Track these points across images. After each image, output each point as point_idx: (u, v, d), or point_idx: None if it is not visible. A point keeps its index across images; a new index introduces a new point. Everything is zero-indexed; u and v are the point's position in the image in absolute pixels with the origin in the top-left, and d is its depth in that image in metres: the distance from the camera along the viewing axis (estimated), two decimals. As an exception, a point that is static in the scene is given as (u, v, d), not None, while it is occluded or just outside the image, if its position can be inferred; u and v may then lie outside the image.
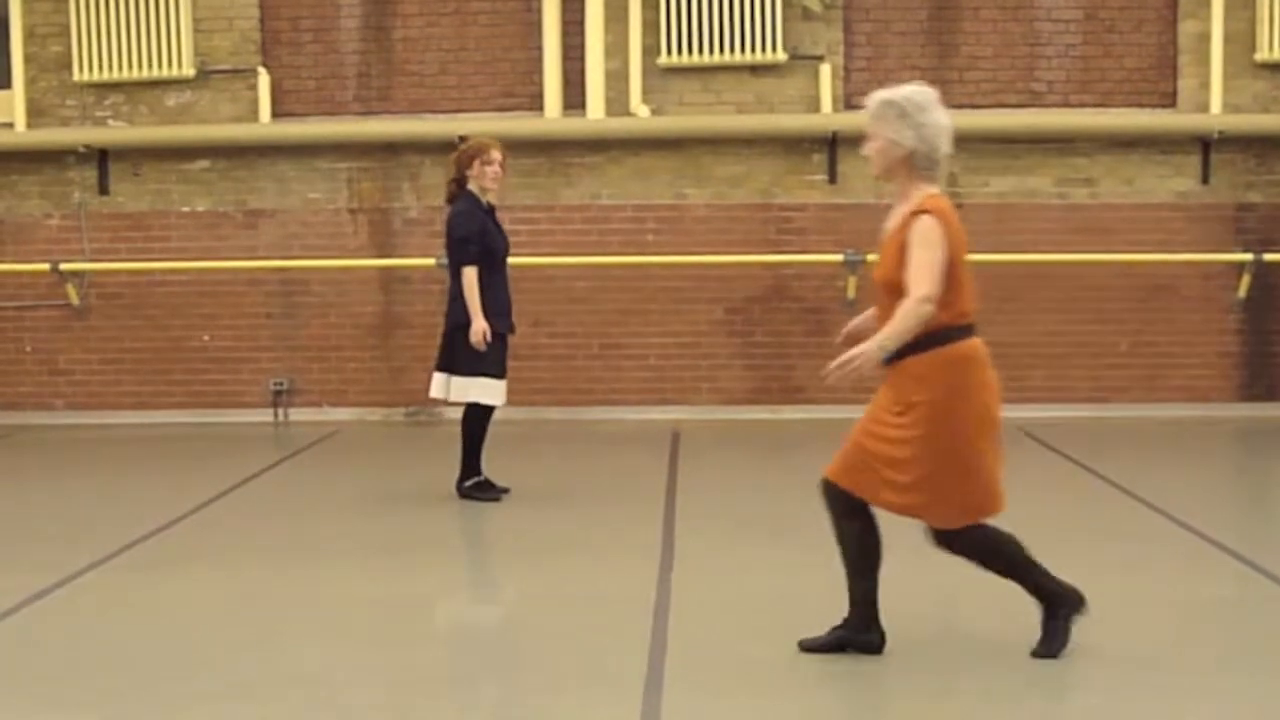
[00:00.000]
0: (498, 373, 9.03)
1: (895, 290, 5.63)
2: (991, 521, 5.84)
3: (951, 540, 5.86)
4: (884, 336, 5.56)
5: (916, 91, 5.79)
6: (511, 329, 9.21)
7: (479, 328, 8.80)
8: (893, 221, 5.81)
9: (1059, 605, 5.89)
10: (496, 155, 9.01)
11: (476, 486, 9.23)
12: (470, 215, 8.96)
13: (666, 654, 5.95)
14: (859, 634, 5.89)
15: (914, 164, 5.73)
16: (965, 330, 5.67)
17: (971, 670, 5.75)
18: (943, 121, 5.73)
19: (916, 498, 5.71)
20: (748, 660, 5.87)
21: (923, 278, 5.53)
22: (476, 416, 9.12)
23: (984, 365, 5.70)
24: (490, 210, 9.12)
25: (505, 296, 9.14)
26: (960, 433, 5.64)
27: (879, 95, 5.88)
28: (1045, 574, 5.91)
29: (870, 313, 6.08)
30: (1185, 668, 5.80)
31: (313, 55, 13.14)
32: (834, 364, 5.58)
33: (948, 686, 5.58)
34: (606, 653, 5.98)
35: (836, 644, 5.90)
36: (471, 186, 9.05)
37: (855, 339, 5.90)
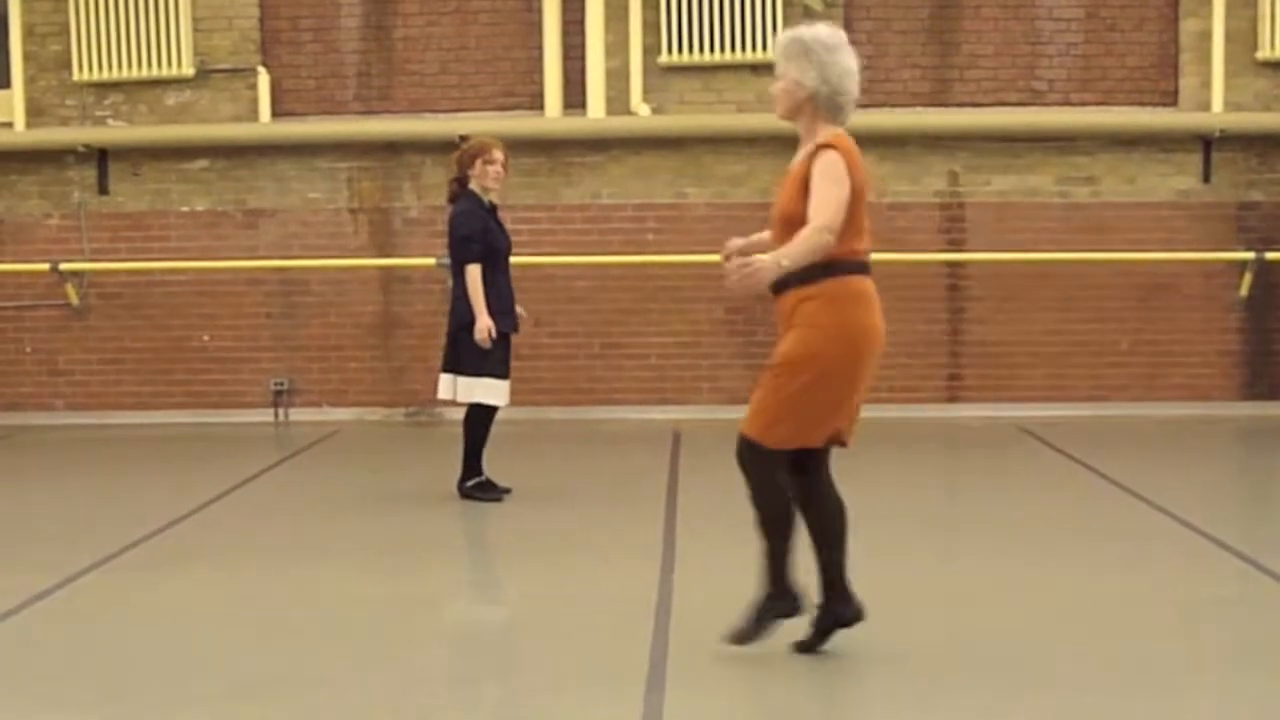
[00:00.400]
0: (502, 373, 9.01)
1: (793, 223, 5.58)
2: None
3: (740, 450, 5.82)
4: (782, 253, 5.49)
5: (825, 32, 5.74)
6: (515, 328, 9.18)
7: (483, 325, 8.77)
8: (796, 160, 5.76)
9: (776, 599, 5.83)
10: (498, 155, 8.99)
11: (478, 487, 9.22)
12: (472, 214, 8.94)
13: (668, 654, 5.93)
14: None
15: (818, 105, 5.69)
16: (856, 266, 5.65)
17: (973, 670, 5.73)
18: (848, 64, 5.68)
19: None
20: (749, 661, 5.84)
21: (825, 209, 5.49)
22: (479, 417, 9.10)
23: (868, 306, 5.66)
24: (492, 209, 9.10)
25: (508, 295, 9.12)
26: (816, 359, 5.59)
27: (787, 33, 5.84)
28: (787, 562, 5.83)
29: (762, 235, 6.09)
30: (1186, 666, 5.78)
31: (313, 54, 13.12)
32: (732, 264, 5.49)
33: (950, 685, 5.55)
34: (608, 653, 5.96)
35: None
36: (473, 186, 9.03)
37: (744, 255, 5.87)
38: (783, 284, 5.59)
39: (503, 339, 8.99)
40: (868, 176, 5.70)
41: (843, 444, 5.84)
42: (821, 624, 5.90)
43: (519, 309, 9.24)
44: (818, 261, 5.51)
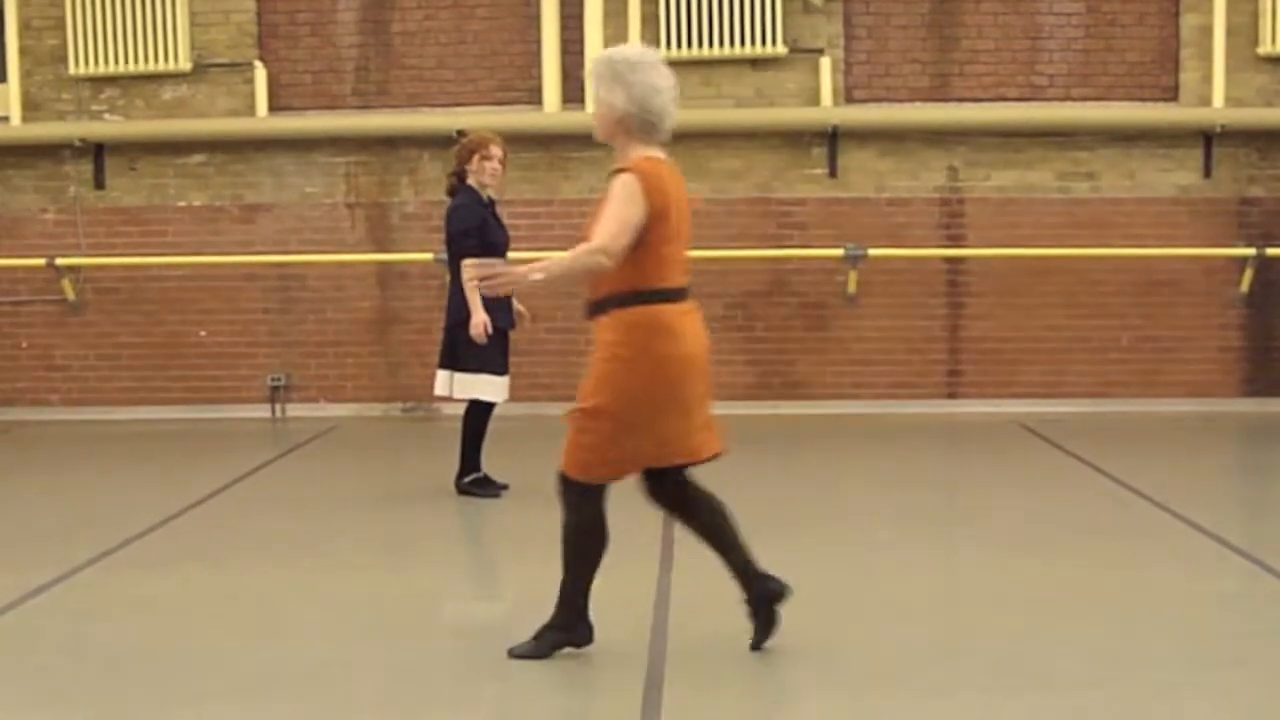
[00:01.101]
0: (499, 369, 8.98)
1: None
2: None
3: (558, 484, 5.80)
4: (539, 267, 5.55)
5: (634, 51, 5.71)
6: (513, 324, 9.14)
7: (478, 321, 8.72)
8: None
9: (564, 630, 5.84)
10: (496, 150, 8.95)
11: (476, 483, 9.18)
12: (469, 209, 8.90)
13: (666, 653, 5.91)
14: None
15: (630, 127, 5.62)
16: (656, 295, 5.55)
17: (972, 668, 5.71)
18: (657, 82, 5.59)
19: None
20: (748, 660, 5.82)
21: (604, 230, 5.46)
22: (477, 413, 9.07)
23: (670, 334, 5.56)
24: (490, 204, 9.06)
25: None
26: (619, 392, 5.56)
27: (598, 56, 5.84)
28: (585, 595, 5.83)
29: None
30: (1186, 665, 5.74)
31: (310, 49, 13.08)
32: (479, 262, 5.48)
33: (949, 684, 5.54)
34: (606, 651, 5.92)
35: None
36: (471, 181, 8.99)
37: None
38: (591, 312, 5.64)
39: (500, 335, 8.95)
40: (680, 200, 5.64)
41: (695, 462, 5.80)
42: (758, 614, 5.88)
43: (518, 306, 9.19)
44: (622, 291, 5.51)
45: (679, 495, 5.89)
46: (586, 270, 5.49)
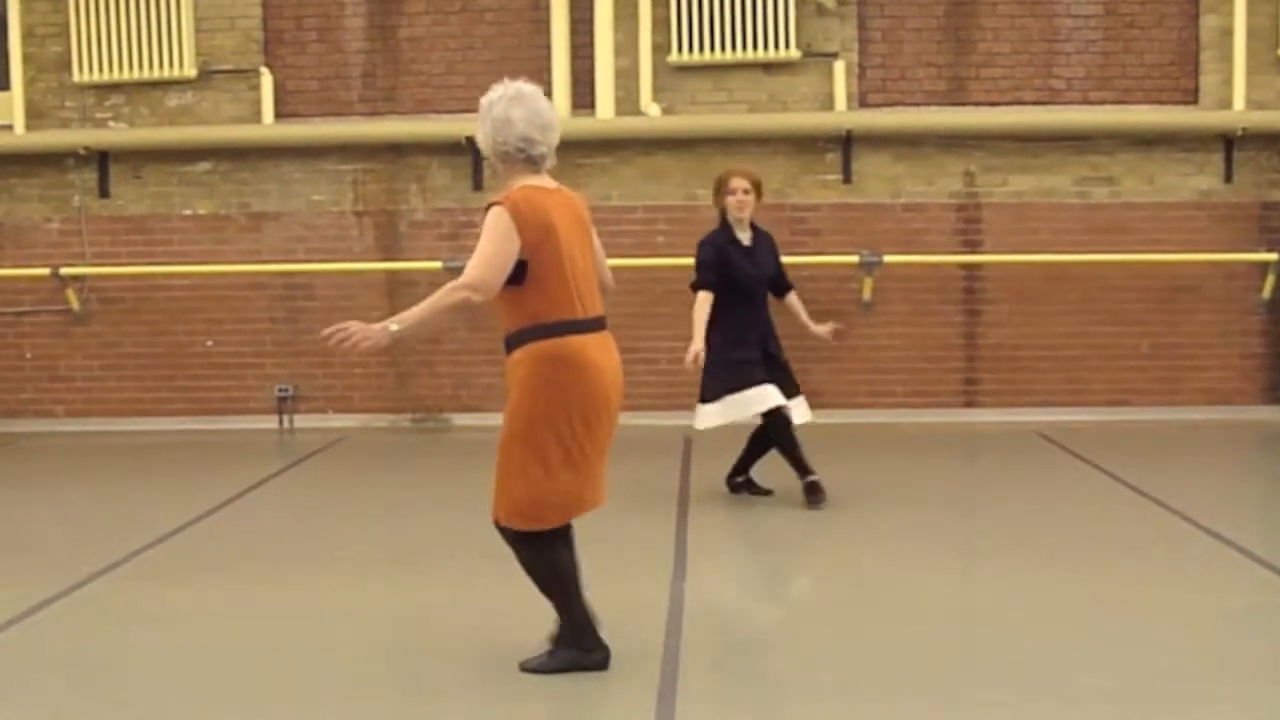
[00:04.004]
0: (728, 388, 9.04)
1: None
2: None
3: (502, 533, 5.78)
4: (400, 316, 5.52)
5: (499, 88, 5.71)
6: (756, 360, 9.08)
7: (692, 351, 8.88)
8: None
9: (572, 642, 5.82)
10: (735, 184, 9.10)
11: (742, 484, 9.53)
12: (708, 245, 9.11)
13: (679, 665, 5.87)
14: (586, 652, 5.82)
15: (499, 161, 5.70)
16: (552, 329, 5.54)
17: (987, 680, 5.66)
18: (505, 113, 5.61)
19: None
20: (762, 672, 5.79)
21: (471, 264, 5.46)
22: (776, 429, 9.15)
23: (572, 366, 5.56)
24: (749, 238, 9.21)
25: (749, 325, 9.12)
26: (527, 431, 5.54)
27: None
28: (579, 607, 5.83)
29: None
30: (1208, 678, 5.67)
31: (317, 55, 12.98)
32: (332, 330, 5.45)
33: (963, 697, 5.47)
34: (618, 663, 5.87)
35: (564, 664, 5.82)
36: (729, 217, 9.18)
37: None
38: (506, 349, 5.65)
39: (731, 365, 9.01)
40: (570, 226, 5.65)
41: (583, 510, 5.79)
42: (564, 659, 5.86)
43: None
44: (524, 326, 5.55)
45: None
46: (452, 309, 5.48)
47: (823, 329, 9.52)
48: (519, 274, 5.48)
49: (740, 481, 9.52)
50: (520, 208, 5.49)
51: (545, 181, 5.68)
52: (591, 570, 7.57)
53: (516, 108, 5.61)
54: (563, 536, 5.80)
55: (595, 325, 5.66)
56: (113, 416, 13.17)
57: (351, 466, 11.42)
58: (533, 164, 5.65)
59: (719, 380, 9.03)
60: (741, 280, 9.06)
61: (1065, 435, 11.77)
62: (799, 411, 9.21)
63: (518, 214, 5.48)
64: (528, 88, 5.67)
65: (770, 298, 9.35)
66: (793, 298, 9.53)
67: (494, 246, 5.44)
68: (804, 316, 9.50)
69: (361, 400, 13.13)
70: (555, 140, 5.69)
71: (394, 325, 5.44)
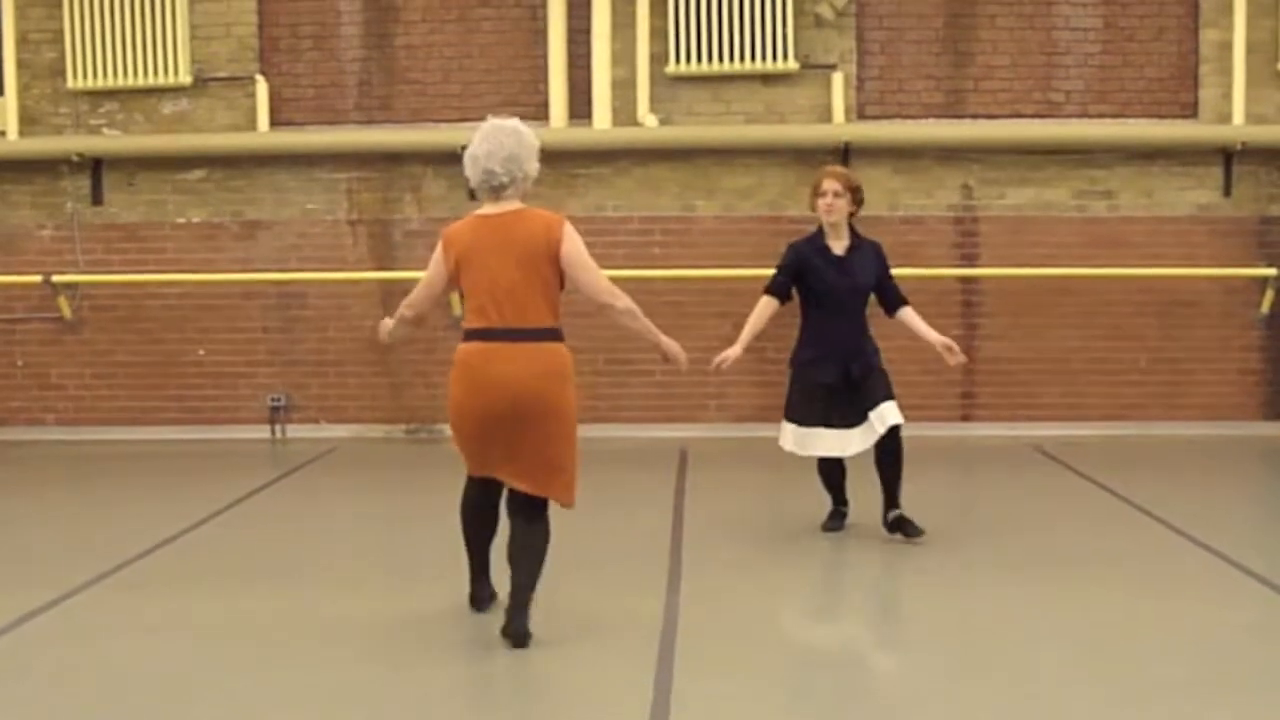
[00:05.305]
0: (797, 418, 8.55)
1: None
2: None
3: (537, 509, 6.58)
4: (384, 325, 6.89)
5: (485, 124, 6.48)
6: (830, 378, 8.47)
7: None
8: None
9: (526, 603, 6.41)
10: (825, 185, 8.54)
11: (898, 522, 8.59)
12: (792, 247, 8.71)
13: (673, 678, 5.84)
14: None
15: (478, 190, 6.48)
16: (466, 334, 6.41)
17: (985, 696, 5.64)
18: (473, 150, 6.38)
19: None
20: (757, 688, 5.74)
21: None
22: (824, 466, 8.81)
23: (463, 367, 6.38)
24: (828, 248, 8.59)
25: (830, 340, 8.51)
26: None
27: None
28: (476, 564, 6.85)
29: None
30: (1210, 693, 5.66)
31: (312, 63, 12.92)
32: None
33: (962, 712, 5.47)
34: (612, 675, 5.89)
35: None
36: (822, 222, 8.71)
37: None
38: None
39: (799, 389, 8.58)
40: (485, 250, 6.32)
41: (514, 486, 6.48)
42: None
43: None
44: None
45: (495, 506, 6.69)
46: (401, 322, 6.73)
47: (942, 345, 8.64)
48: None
49: (893, 520, 8.54)
50: (447, 237, 6.47)
51: (501, 207, 6.38)
52: (587, 583, 7.58)
53: (483, 144, 6.36)
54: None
55: (506, 335, 6.29)
56: (104, 425, 13.09)
57: (344, 477, 11.36)
58: (495, 193, 6.38)
59: (790, 402, 8.61)
60: (822, 290, 8.51)
61: (1063, 450, 11.73)
62: (883, 417, 8.37)
63: (445, 242, 6.46)
64: (506, 123, 6.42)
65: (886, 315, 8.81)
66: (906, 313, 8.76)
67: (428, 269, 6.57)
68: (922, 329, 8.71)
69: (355, 410, 13.06)
70: (525, 167, 6.38)
71: (384, 335, 6.86)
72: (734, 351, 8.60)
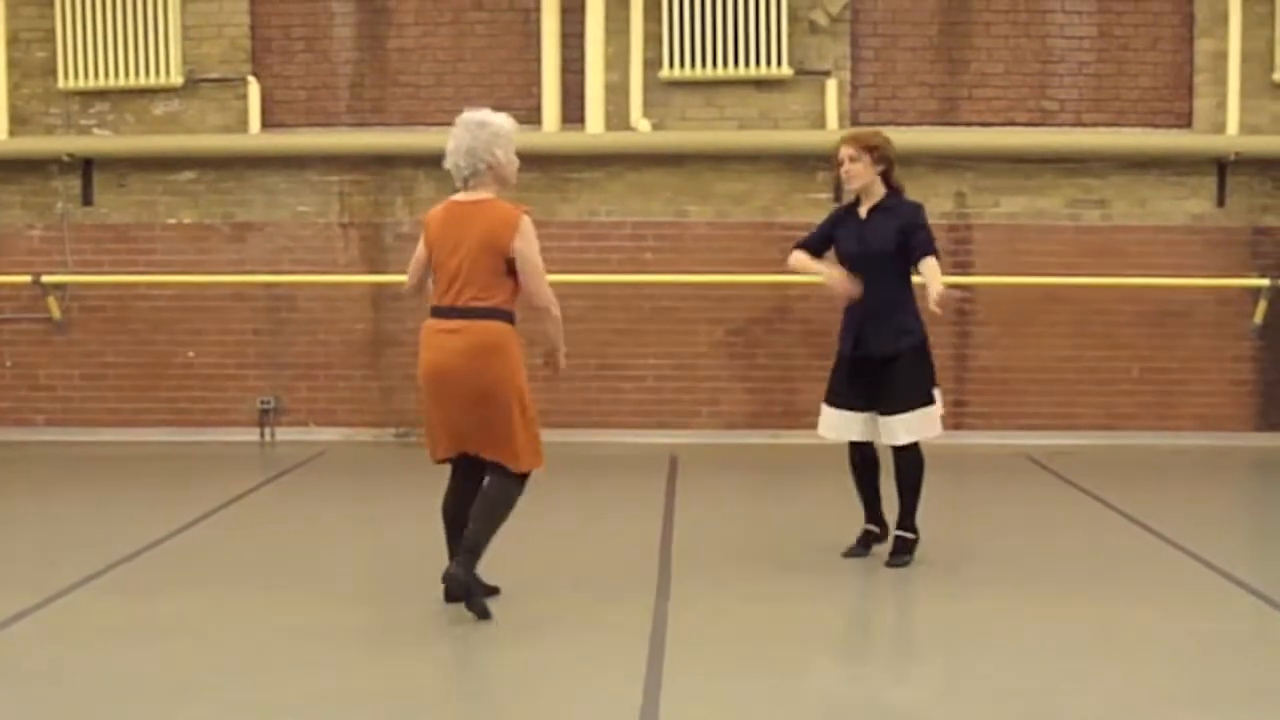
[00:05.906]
0: (831, 400, 8.13)
1: None
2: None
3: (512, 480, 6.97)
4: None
5: None
6: (845, 345, 8.08)
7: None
8: None
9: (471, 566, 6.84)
10: (841, 152, 8.06)
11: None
12: (833, 210, 8.49)
13: (662, 688, 5.80)
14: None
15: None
16: (431, 311, 6.92)
17: (975, 707, 5.60)
18: (449, 145, 6.89)
19: None
20: (746, 696, 5.71)
21: None
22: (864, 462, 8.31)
23: (424, 345, 6.92)
24: (856, 213, 8.11)
25: (850, 311, 8.09)
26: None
27: None
28: (452, 548, 6.96)
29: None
30: (1199, 703, 5.64)
31: (304, 64, 12.88)
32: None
33: (957, 715, 5.36)
34: (601, 685, 5.85)
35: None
36: None
37: None
38: None
39: (840, 361, 8.14)
40: (447, 234, 6.84)
41: (478, 454, 6.87)
42: (470, 602, 6.83)
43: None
44: None
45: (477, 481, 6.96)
46: (410, 293, 7.33)
47: (935, 296, 7.78)
48: None
49: (893, 537, 8.22)
50: (426, 219, 7.04)
51: (470, 195, 6.88)
52: (575, 592, 7.56)
53: (451, 138, 6.87)
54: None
55: (447, 312, 6.80)
56: (93, 426, 13.04)
57: (333, 480, 11.33)
58: (464, 183, 6.88)
59: (832, 384, 8.16)
60: (841, 254, 8.09)
61: (1054, 459, 11.71)
62: (890, 432, 8.00)
63: (425, 224, 7.03)
64: (473, 116, 6.87)
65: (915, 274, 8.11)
66: (926, 264, 7.96)
67: (416, 250, 7.08)
68: (928, 279, 7.91)
69: (345, 414, 13.02)
70: (485, 157, 6.80)
71: None
72: (835, 271, 8.06)
